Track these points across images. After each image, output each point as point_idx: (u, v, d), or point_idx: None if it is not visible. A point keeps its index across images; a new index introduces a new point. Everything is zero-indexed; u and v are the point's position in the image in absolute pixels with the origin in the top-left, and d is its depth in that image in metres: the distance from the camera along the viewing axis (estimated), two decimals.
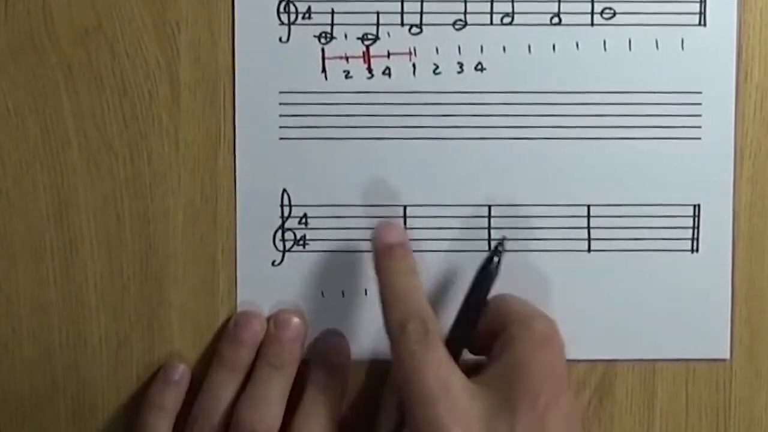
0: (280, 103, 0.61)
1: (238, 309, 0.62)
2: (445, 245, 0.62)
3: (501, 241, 0.58)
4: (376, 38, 0.61)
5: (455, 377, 0.54)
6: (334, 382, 0.60)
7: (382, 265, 0.58)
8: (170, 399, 0.60)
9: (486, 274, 0.58)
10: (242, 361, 0.60)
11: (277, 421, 0.59)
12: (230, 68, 0.61)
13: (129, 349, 0.62)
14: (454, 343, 0.57)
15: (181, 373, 0.61)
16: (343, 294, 0.62)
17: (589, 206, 0.62)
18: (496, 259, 0.58)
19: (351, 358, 0.62)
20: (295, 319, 0.61)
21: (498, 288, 0.60)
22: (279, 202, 0.61)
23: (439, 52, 0.61)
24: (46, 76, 0.61)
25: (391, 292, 0.57)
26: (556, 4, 0.61)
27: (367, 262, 0.61)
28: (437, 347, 0.55)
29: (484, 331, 0.58)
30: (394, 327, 0.56)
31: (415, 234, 0.61)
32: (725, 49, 0.61)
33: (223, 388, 0.60)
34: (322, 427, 0.59)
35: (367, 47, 0.61)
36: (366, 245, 0.61)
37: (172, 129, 0.61)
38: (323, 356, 0.61)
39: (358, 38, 0.61)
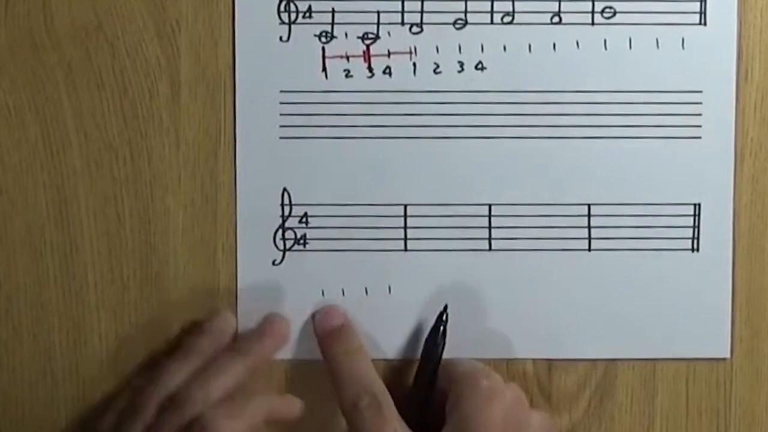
0: (281, 103, 0.61)
1: (239, 309, 0.62)
2: (445, 245, 0.62)
3: (444, 310, 0.60)
4: (377, 37, 0.61)
5: None
6: (249, 349, 0.60)
7: (328, 350, 0.61)
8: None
9: (434, 343, 0.60)
10: (198, 347, 0.60)
11: (214, 395, 0.58)
12: (230, 67, 0.61)
13: (129, 349, 0.62)
14: (414, 409, 0.59)
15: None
16: (343, 293, 0.62)
17: (589, 206, 0.62)
18: (441, 327, 0.60)
19: (284, 338, 0.61)
20: (283, 322, 0.61)
21: (499, 288, 0.61)
22: (279, 202, 0.61)
23: (439, 51, 0.61)
24: (46, 76, 0.61)
25: (340, 373, 0.59)
26: (557, 3, 0.61)
27: (367, 262, 0.61)
28: (392, 419, 0.57)
29: (439, 395, 0.59)
30: (347, 406, 0.58)
31: (415, 233, 0.61)
32: (725, 48, 0.61)
33: (174, 369, 0.59)
34: (210, 391, 0.58)
35: (368, 46, 0.61)
36: (366, 244, 0.61)
37: (172, 129, 0.61)
38: (259, 327, 0.61)
39: (359, 37, 0.61)
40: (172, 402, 0.57)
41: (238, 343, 0.61)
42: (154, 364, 0.61)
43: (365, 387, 0.58)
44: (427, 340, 0.60)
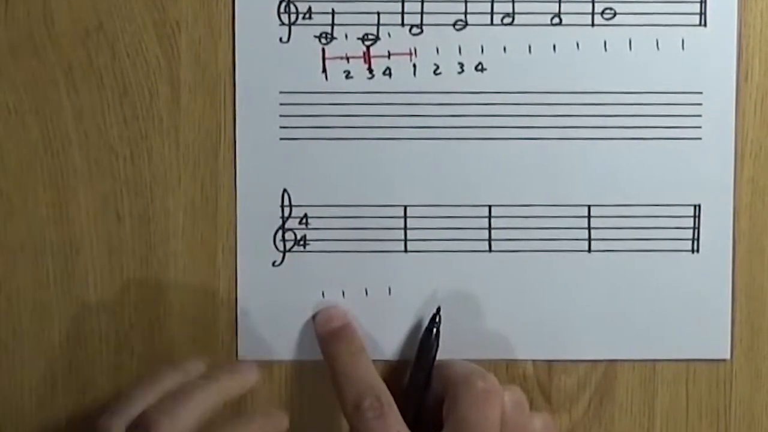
0: (281, 103, 0.61)
1: (238, 309, 0.62)
2: (445, 245, 0.62)
3: (437, 312, 0.60)
4: (377, 38, 0.61)
5: None
6: (218, 376, 0.59)
7: (329, 351, 0.60)
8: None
9: (427, 345, 0.60)
10: (169, 377, 0.59)
11: (183, 424, 0.56)
12: (230, 68, 0.61)
13: (129, 349, 0.62)
14: (408, 411, 0.59)
15: (198, 370, 0.60)
16: (343, 294, 0.62)
17: (589, 206, 0.62)
18: (434, 330, 0.60)
19: (253, 376, 0.61)
20: (253, 371, 0.61)
21: (499, 289, 0.61)
22: (279, 202, 0.61)
23: (439, 52, 0.61)
24: (46, 76, 0.61)
25: (341, 374, 0.59)
26: (557, 4, 0.61)
27: (367, 263, 0.61)
28: (394, 421, 0.57)
29: (434, 397, 0.59)
30: (349, 407, 0.58)
31: (415, 234, 0.61)
32: (725, 49, 0.61)
33: (138, 391, 0.58)
34: (176, 418, 0.56)
35: (368, 47, 0.61)
36: (366, 245, 0.61)
37: (172, 129, 0.61)
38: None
39: (359, 38, 0.61)
40: (138, 425, 0.56)
41: (211, 372, 0.60)
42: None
43: (367, 388, 0.58)
44: (420, 341, 0.61)
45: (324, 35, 0.61)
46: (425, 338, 0.60)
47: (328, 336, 0.61)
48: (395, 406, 0.58)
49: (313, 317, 0.62)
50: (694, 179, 0.62)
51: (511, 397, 0.58)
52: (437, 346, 0.60)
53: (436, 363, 0.60)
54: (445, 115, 0.61)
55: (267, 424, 0.60)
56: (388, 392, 0.58)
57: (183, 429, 0.56)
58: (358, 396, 0.58)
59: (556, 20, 0.61)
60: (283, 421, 0.60)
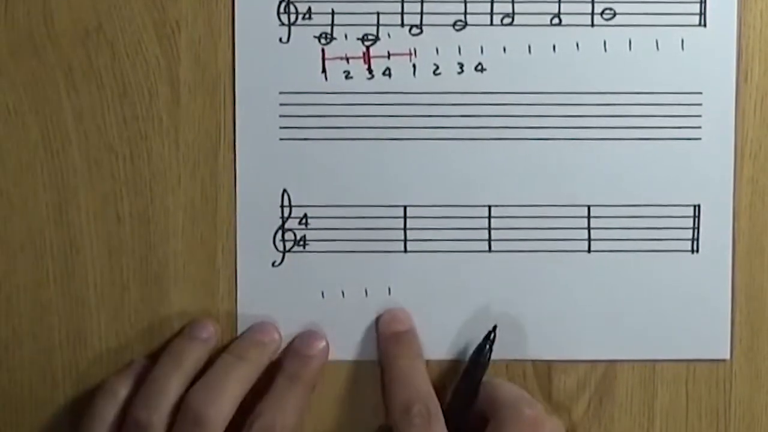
0: (281, 104, 0.61)
1: (238, 310, 0.62)
2: (445, 245, 0.62)
3: (493, 330, 0.60)
4: (377, 39, 0.61)
5: None
6: (304, 374, 0.60)
7: (389, 351, 0.60)
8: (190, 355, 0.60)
9: (479, 361, 0.60)
10: (189, 354, 0.60)
11: (227, 409, 0.58)
12: (230, 68, 0.61)
13: (129, 349, 0.62)
14: (450, 424, 0.58)
15: (210, 332, 0.61)
16: (343, 294, 0.62)
17: (589, 206, 0.62)
18: (487, 347, 0.60)
19: (327, 353, 0.61)
20: (275, 334, 0.61)
21: (498, 289, 0.61)
22: (279, 203, 0.61)
23: (439, 52, 0.61)
24: (46, 76, 0.61)
25: (396, 375, 0.59)
26: (557, 4, 0.61)
27: (367, 263, 0.61)
28: (440, 430, 0.57)
29: (477, 415, 0.59)
30: (398, 409, 0.58)
31: (415, 234, 0.61)
32: (725, 49, 0.61)
33: (167, 378, 0.59)
34: (287, 416, 0.59)
35: (368, 48, 0.61)
36: (366, 245, 0.61)
37: (172, 129, 0.61)
38: (296, 348, 0.61)
39: (359, 39, 0.61)
40: (186, 419, 0.57)
41: (237, 348, 0.61)
42: (134, 369, 0.61)
43: (420, 395, 0.58)
44: (470, 358, 0.60)
45: (324, 35, 0.61)
46: (476, 355, 0.60)
47: (391, 338, 0.61)
48: (442, 419, 0.58)
49: (377, 317, 0.62)
50: (694, 179, 0.62)
51: (551, 426, 0.58)
52: (488, 363, 0.60)
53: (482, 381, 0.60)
54: (444, 116, 0.61)
55: (306, 373, 0.60)
56: (437, 403, 0.58)
57: (228, 412, 0.58)
58: (409, 400, 0.58)
59: (555, 20, 0.61)
60: (319, 360, 0.61)
